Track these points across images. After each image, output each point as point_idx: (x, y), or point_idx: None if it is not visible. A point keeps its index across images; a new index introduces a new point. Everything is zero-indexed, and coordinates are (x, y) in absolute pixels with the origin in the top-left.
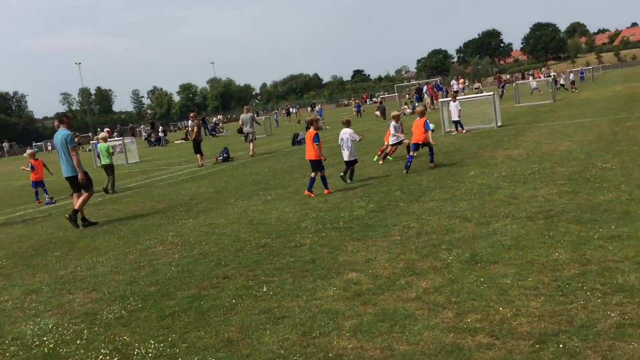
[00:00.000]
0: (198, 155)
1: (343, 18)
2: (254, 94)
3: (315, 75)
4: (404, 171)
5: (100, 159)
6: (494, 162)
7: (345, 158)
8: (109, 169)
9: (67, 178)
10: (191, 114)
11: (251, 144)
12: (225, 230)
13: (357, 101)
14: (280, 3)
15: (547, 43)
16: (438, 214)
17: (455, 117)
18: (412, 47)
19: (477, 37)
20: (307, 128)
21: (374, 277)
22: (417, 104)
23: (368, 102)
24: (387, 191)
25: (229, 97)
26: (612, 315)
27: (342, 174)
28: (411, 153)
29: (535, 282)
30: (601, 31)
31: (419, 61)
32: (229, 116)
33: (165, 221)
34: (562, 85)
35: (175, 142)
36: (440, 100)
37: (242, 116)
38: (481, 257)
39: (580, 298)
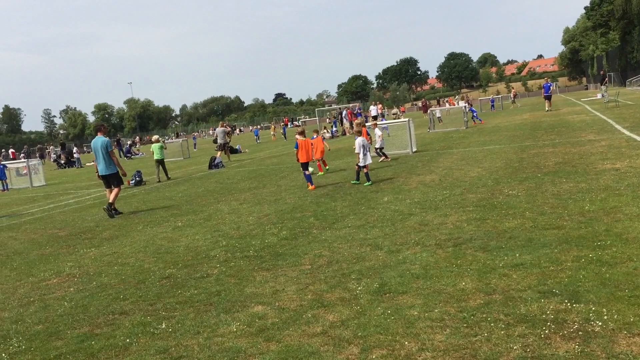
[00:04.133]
0: None
1: (265, 41)
2: (173, 115)
3: (237, 97)
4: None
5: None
6: (407, 188)
7: (364, 163)
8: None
9: (103, 176)
10: None
11: (220, 153)
12: (128, 260)
13: (282, 124)
14: (201, 24)
15: (460, 72)
16: (350, 241)
17: (378, 144)
18: (333, 72)
19: (395, 64)
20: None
21: (280, 311)
22: (335, 129)
23: (289, 125)
24: (301, 217)
25: (147, 118)
26: (515, 347)
27: (355, 181)
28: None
29: (442, 313)
30: (510, 62)
31: (339, 86)
32: (146, 137)
33: (65, 250)
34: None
35: (88, 164)
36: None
37: (217, 129)
38: (390, 287)
39: (484, 330)
